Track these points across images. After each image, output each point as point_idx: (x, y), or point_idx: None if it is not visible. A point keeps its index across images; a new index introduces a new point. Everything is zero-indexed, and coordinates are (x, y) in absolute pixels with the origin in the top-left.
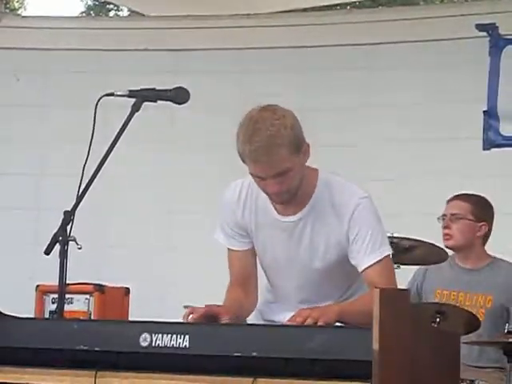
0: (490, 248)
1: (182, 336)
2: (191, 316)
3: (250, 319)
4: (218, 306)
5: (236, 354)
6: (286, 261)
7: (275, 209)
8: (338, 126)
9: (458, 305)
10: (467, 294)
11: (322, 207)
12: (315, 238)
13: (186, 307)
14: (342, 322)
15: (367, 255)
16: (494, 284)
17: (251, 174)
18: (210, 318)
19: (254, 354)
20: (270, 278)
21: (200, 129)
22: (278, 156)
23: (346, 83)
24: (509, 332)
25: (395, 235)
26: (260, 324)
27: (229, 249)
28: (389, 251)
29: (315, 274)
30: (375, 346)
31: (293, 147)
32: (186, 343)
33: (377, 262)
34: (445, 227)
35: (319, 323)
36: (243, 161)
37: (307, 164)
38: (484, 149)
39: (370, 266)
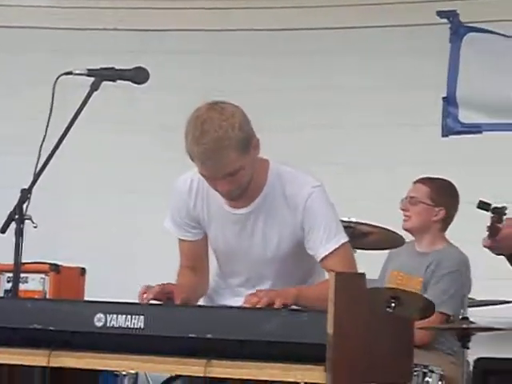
0: (449, 236)
1: (137, 317)
2: (145, 295)
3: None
4: (172, 284)
5: (191, 336)
6: (238, 252)
7: (226, 201)
8: (298, 109)
9: (401, 286)
10: (410, 276)
11: (274, 199)
12: (268, 230)
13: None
14: (298, 306)
15: (323, 245)
16: (427, 266)
17: (200, 174)
18: (164, 295)
19: (209, 335)
20: (221, 266)
21: (161, 109)
22: (226, 158)
23: (309, 66)
24: (463, 318)
25: (352, 220)
26: (215, 306)
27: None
28: (345, 238)
29: (269, 264)
30: (330, 329)
31: (241, 147)
32: (141, 324)
33: (334, 250)
34: (402, 209)
35: (276, 305)
36: (192, 160)
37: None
38: (443, 136)
39: (327, 255)
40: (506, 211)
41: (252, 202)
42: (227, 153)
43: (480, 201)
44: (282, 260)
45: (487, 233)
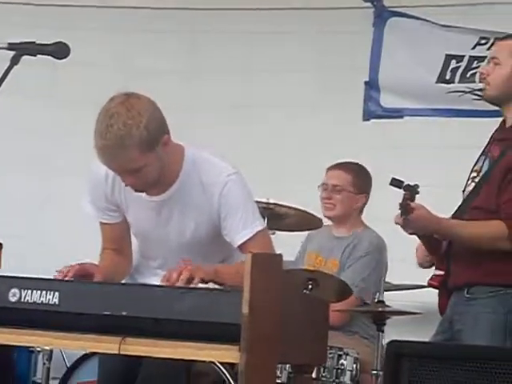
0: (374, 220)
1: (52, 293)
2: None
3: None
4: (93, 264)
5: (106, 313)
6: (156, 237)
7: None
8: (218, 90)
9: (319, 268)
10: (326, 259)
11: (190, 186)
12: (184, 217)
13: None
14: (217, 283)
15: (239, 232)
16: (344, 249)
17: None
18: (83, 276)
19: (124, 313)
20: (141, 248)
21: (81, 85)
22: (126, 157)
23: (231, 46)
24: (379, 301)
25: (271, 201)
26: (131, 284)
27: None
28: (261, 225)
29: (186, 249)
30: (245, 309)
31: (145, 146)
32: (56, 300)
33: (250, 238)
34: (326, 198)
35: (195, 280)
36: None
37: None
38: (364, 119)
39: (244, 243)
40: (418, 189)
41: (167, 190)
42: (128, 151)
43: (393, 178)
44: (200, 246)
45: (399, 210)
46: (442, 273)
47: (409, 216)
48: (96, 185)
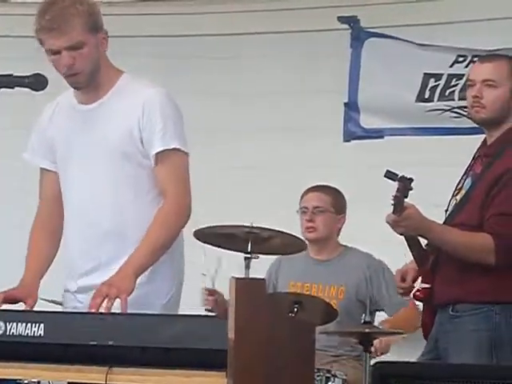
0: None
1: (37, 324)
2: None
3: None
4: (16, 289)
5: (92, 343)
6: (78, 148)
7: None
8: (206, 113)
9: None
10: (319, 286)
11: (119, 98)
12: (109, 122)
13: None
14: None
15: (156, 142)
16: (345, 275)
17: (46, 52)
18: (10, 302)
19: (110, 342)
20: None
21: None
22: (70, 25)
23: (212, 71)
24: (365, 322)
25: (254, 225)
26: (116, 313)
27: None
28: (180, 145)
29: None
30: (231, 335)
31: (88, 22)
32: (41, 332)
33: (167, 149)
34: (308, 220)
35: (122, 300)
36: (40, 41)
37: None
38: (344, 140)
39: (160, 152)
40: (412, 184)
41: (97, 101)
42: (72, 20)
43: (387, 170)
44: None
45: (392, 206)
46: (428, 286)
47: (401, 213)
48: (38, 124)
